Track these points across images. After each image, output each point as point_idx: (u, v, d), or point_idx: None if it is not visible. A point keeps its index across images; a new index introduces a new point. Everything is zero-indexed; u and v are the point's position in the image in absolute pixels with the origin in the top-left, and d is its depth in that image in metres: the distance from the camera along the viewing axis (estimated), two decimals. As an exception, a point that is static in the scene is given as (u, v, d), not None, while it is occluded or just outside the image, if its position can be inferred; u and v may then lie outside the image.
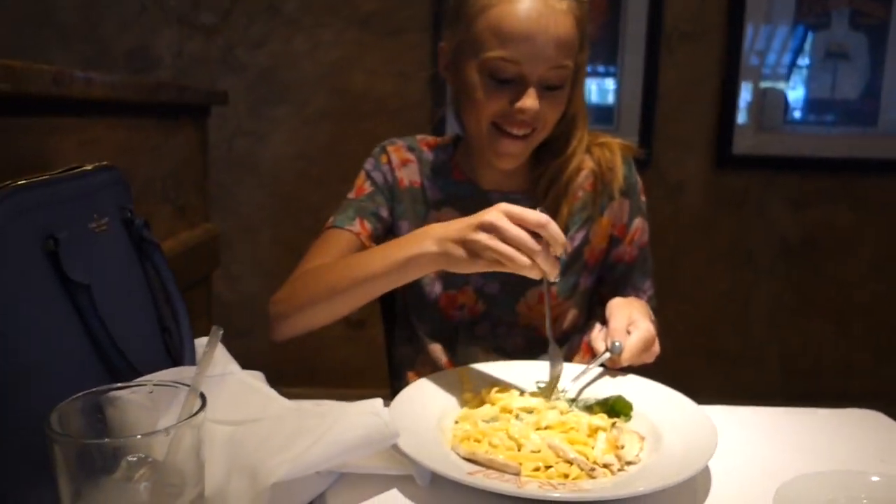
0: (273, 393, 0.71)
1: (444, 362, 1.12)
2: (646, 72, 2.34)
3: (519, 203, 1.09)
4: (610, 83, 2.39)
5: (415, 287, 1.13)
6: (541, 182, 1.10)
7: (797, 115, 2.41)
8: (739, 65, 2.34)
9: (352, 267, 0.95)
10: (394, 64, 2.36)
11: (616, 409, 0.80)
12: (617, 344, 0.87)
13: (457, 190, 1.13)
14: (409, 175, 1.14)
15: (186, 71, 2.37)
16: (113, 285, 0.67)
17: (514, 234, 0.79)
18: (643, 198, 1.15)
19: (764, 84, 2.39)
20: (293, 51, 2.36)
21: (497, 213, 0.81)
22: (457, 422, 0.79)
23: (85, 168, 0.70)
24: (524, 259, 0.78)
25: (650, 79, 2.34)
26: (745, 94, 2.38)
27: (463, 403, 0.83)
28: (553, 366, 0.88)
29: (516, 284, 1.08)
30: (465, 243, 0.82)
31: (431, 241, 0.86)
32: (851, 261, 2.49)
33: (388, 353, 1.31)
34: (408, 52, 2.35)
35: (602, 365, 0.88)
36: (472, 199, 1.11)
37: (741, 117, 2.38)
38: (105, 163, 0.76)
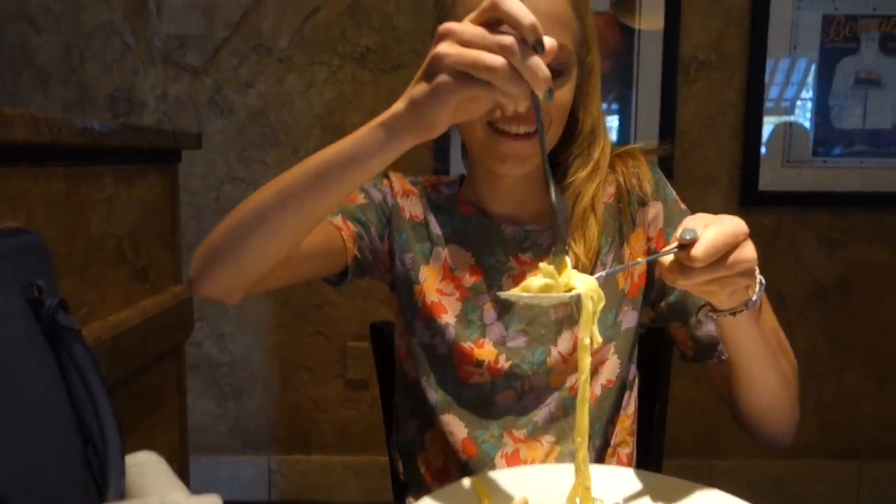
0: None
1: (462, 440, 0.94)
2: (663, 105, 2.20)
3: (540, 236, 0.96)
4: (625, 117, 2.25)
5: (422, 338, 0.96)
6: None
7: (826, 146, 2.26)
8: (763, 95, 2.21)
9: (292, 171, 0.75)
10: (393, 102, 2.23)
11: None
12: (689, 234, 0.65)
13: (465, 224, 0.98)
14: (412, 207, 0.99)
15: (171, 114, 2.25)
16: (5, 384, 0.50)
17: (474, 31, 0.62)
18: (682, 206, 0.97)
19: (789, 115, 2.25)
20: (285, 91, 2.24)
21: (453, 22, 0.65)
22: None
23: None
24: (494, 59, 0.60)
25: (667, 112, 2.20)
26: (770, 126, 2.24)
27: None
28: (557, 215, 0.69)
29: (544, 334, 0.93)
30: (426, 73, 0.66)
31: (400, 101, 0.69)
32: (890, 303, 2.33)
33: (387, 431, 1.13)
34: (406, 89, 2.22)
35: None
36: (482, 233, 0.96)
37: (766, 151, 2.24)
38: (15, 225, 0.59)
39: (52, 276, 0.60)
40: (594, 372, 0.94)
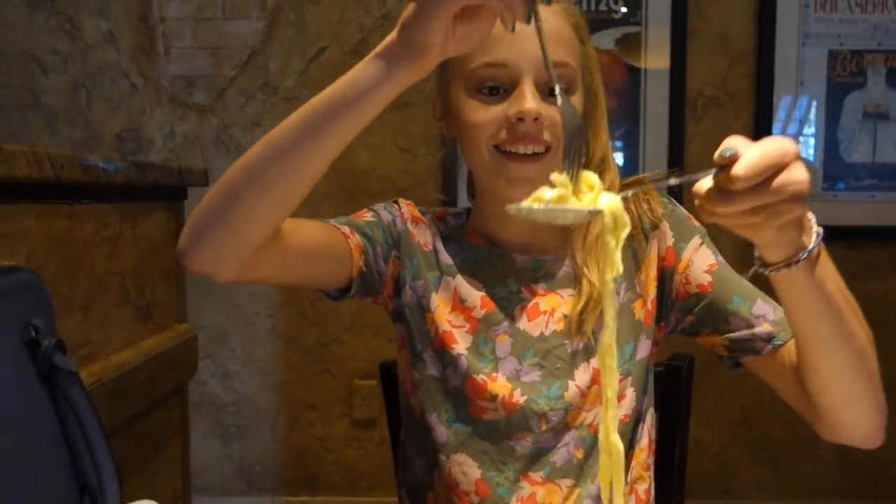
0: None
1: (475, 481, 0.90)
2: (671, 141, 2.20)
3: (552, 266, 0.93)
4: (632, 153, 2.24)
5: (432, 371, 0.93)
6: (574, 235, 0.92)
7: (836, 181, 2.25)
8: (770, 130, 2.20)
9: (282, 124, 0.72)
10: (399, 139, 2.24)
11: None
12: (728, 152, 0.58)
13: (474, 254, 0.95)
14: (421, 234, 0.96)
15: (178, 152, 2.26)
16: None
17: None
18: (696, 223, 0.94)
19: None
20: (292, 129, 2.24)
21: None
22: None
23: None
24: None
25: (675, 148, 2.20)
26: (778, 161, 2.23)
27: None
28: (565, 125, 0.65)
29: (560, 368, 0.90)
30: None
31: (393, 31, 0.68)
32: (908, 338, 2.28)
33: (395, 470, 1.09)
34: (414, 127, 2.23)
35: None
36: (493, 264, 0.94)
37: (775, 186, 2.22)
38: (12, 263, 0.57)
39: (50, 316, 0.58)
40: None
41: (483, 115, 0.85)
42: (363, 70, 0.70)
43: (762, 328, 0.86)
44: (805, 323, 0.72)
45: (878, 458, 2.30)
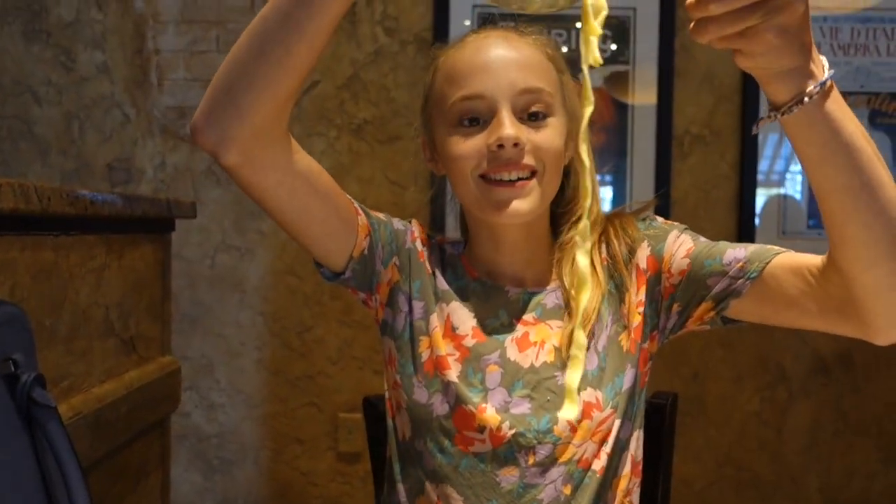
0: None
1: None
2: (657, 177, 2.22)
3: (545, 297, 0.94)
4: (620, 189, 2.27)
5: (419, 397, 0.92)
6: (562, 263, 0.93)
7: (820, 218, 2.26)
8: (756, 168, 2.23)
9: (264, 9, 0.74)
10: (390, 172, 2.26)
11: None
12: None
13: (468, 284, 0.96)
14: (427, 258, 0.97)
15: (169, 182, 2.26)
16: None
17: None
18: (674, 223, 0.95)
19: (782, 187, 2.27)
20: (283, 161, 2.26)
21: None
22: None
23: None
24: None
25: (662, 184, 2.22)
26: (763, 199, 2.25)
27: None
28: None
29: (550, 400, 0.89)
30: None
31: None
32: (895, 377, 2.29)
33: (375, 494, 1.09)
34: (404, 161, 2.25)
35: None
36: (486, 295, 0.95)
37: (760, 223, 2.24)
38: (-6, 297, 0.57)
39: (32, 349, 0.58)
40: (602, 441, 0.90)
41: (465, 146, 0.87)
42: None
43: (735, 269, 0.84)
44: (830, 175, 0.64)
45: (862, 499, 2.29)
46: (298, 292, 2.25)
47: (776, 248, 0.85)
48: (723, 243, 0.89)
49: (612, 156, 2.24)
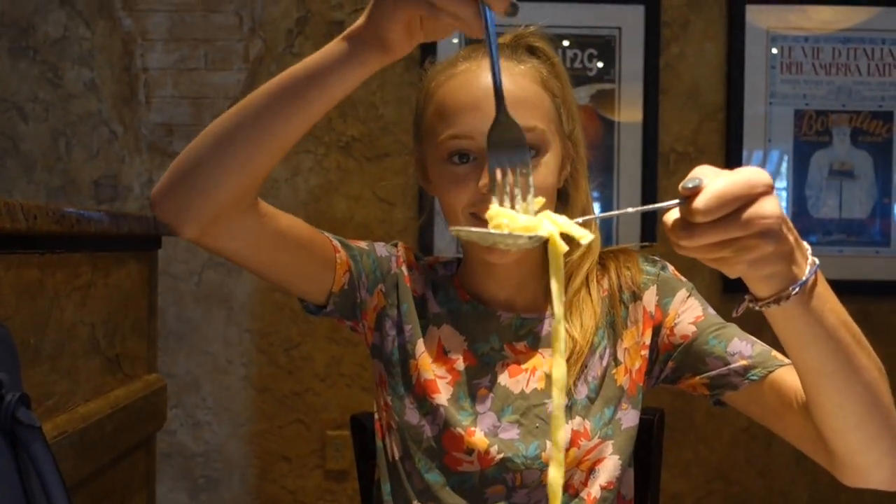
0: None
1: None
2: (643, 194, 2.24)
3: (535, 325, 0.93)
4: (607, 206, 2.28)
5: (410, 418, 0.92)
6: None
7: (805, 235, 2.28)
8: (740, 185, 2.25)
9: (256, 90, 0.73)
10: (377, 189, 2.26)
11: None
12: (692, 183, 0.55)
13: (459, 307, 0.96)
14: (414, 281, 0.97)
15: (156, 200, 2.25)
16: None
17: None
18: (682, 278, 0.95)
19: (767, 205, 2.29)
20: (270, 178, 2.25)
21: None
22: None
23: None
24: None
25: (648, 200, 2.24)
26: (748, 216, 2.28)
27: None
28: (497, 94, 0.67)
29: (539, 427, 0.89)
30: None
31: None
32: (877, 391, 2.31)
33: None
34: (393, 178, 2.26)
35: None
36: (477, 318, 0.94)
37: (746, 239, 2.26)
38: (-21, 316, 0.57)
39: (17, 369, 0.57)
40: (590, 470, 0.90)
41: (456, 185, 0.87)
42: (331, 49, 0.71)
43: (738, 364, 0.85)
44: (807, 360, 0.66)
45: (852, 512, 2.30)
46: (286, 309, 2.25)
47: (780, 357, 0.85)
48: (731, 327, 0.90)
49: (599, 173, 2.26)
